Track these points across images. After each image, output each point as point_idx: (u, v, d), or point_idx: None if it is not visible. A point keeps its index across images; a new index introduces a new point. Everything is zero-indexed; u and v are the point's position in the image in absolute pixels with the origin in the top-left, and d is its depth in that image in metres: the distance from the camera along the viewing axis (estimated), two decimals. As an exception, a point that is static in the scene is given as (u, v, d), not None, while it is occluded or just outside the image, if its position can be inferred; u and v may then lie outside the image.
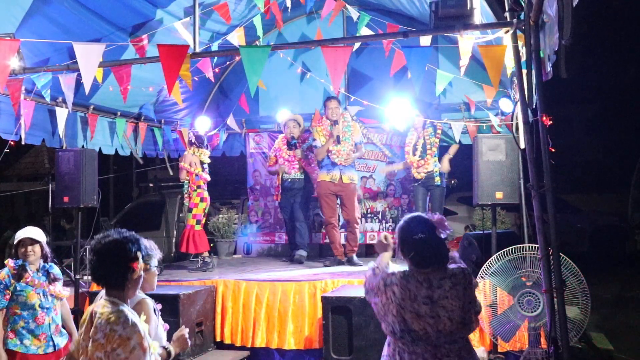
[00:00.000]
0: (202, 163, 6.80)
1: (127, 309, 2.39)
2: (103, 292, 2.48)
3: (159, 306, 2.97)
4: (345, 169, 6.52)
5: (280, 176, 7.14)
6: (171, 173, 8.57)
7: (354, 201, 6.57)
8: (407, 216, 2.68)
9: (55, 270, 4.20)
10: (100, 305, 2.38)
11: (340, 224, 6.92)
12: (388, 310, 2.51)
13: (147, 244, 2.64)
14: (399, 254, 2.61)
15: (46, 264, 4.16)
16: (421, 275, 2.50)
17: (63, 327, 4.25)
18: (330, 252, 6.78)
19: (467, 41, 4.66)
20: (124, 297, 2.43)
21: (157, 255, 2.86)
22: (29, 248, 4.04)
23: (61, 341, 4.15)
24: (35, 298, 4.01)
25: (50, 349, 4.06)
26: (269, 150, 7.69)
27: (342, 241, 6.82)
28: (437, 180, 6.66)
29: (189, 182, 6.72)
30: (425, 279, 2.49)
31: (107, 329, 2.27)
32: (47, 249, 4.18)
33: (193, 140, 6.89)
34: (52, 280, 4.12)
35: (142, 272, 2.48)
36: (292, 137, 7.12)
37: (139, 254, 2.45)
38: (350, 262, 6.48)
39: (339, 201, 6.67)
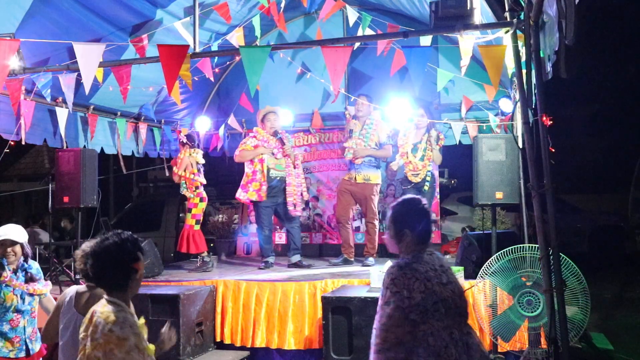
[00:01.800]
0: (197, 164, 6.62)
1: (127, 310, 2.38)
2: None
3: None
4: (361, 168, 6.40)
5: (264, 170, 6.40)
6: (167, 174, 8.54)
7: (368, 201, 6.44)
8: (400, 199, 2.68)
9: (34, 269, 4.07)
10: (101, 305, 2.37)
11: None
12: (415, 289, 2.42)
13: None
14: (396, 236, 2.56)
15: (25, 263, 4.02)
16: (422, 252, 2.53)
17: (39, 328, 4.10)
18: (332, 252, 6.73)
19: (467, 41, 4.66)
20: (126, 298, 2.41)
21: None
22: (9, 249, 3.92)
23: (36, 346, 4.01)
24: (12, 300, 3.90)
25: (23, 354, 3.92)
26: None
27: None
28: (427, 187, 6.36)
29: (186, 183, 6.56)
30: (428, 253, 2.54)
31: (105, 329, 2.27)
32: (27, 249, 4.06)
33: (185, 141, 6.59)
34: (29, 279, 3.99)
35: (143, 271, 2.46)
36: (276, 132, 6.45)
37: (139, 254, 2.42)
38: (363, 262, 6.34)
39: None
